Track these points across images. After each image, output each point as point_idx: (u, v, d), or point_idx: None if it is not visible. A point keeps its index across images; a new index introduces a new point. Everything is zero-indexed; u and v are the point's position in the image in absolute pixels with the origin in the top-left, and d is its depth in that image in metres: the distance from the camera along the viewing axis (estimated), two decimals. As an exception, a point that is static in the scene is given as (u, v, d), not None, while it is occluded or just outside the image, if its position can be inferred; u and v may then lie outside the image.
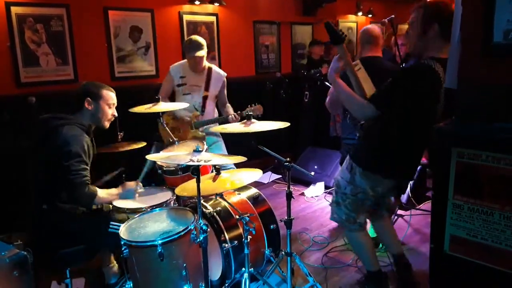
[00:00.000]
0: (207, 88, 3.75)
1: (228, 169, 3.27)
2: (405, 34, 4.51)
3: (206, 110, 3.77)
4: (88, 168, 2.41)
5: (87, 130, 2.52)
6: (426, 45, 2.12)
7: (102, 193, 2.43)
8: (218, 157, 2.15)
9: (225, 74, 3.86)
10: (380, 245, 3.21)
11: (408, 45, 2.61)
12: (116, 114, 2.66)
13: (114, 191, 2.54)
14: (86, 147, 2.41)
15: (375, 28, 3.26)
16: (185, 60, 3.77)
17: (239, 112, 3.68)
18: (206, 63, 3.73)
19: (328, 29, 2.19)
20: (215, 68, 3.83)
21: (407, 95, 2.06)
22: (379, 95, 2.14)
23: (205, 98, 3.75)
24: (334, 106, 3.59)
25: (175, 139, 3.26)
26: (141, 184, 2.70)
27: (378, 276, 2.62)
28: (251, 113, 2.44)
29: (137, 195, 2.64)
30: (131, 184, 2.64)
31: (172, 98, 3.82)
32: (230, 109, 3.84)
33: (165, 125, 3.30)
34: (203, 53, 3.58)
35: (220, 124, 3.69)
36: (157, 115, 3.22)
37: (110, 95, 2.60)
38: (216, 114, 3.92)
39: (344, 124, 3.60)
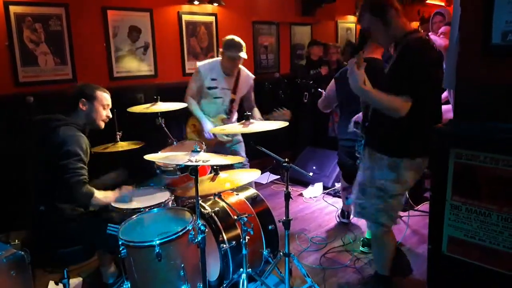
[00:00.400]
0: (234, 91, 3.60)
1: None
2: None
3: (232, 113, 3.67)
4: (86, 167, 2.40)
5: (83, 131, 2.52)
6: (395, 31, 2.19)
7: (99, 194, 2.42)
8: (216, 157, 2.15)
9: (253, 77, 3.74)
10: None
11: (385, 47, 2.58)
12: (110, 115, 2.66)
13: (110, 193, 2.53)
14: (84, 146, 2.41)
15: None
16: (216, 60, 3.60)
17: (265, 115, 3.44)
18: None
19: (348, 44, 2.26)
20: (243, 69, 3.68)
21: (425, 69, 2.05)
22: (407, 84, 2.07)
23: (232, 101, 3.61)
24: (327, 104, 3.61)
25: (173, 139, 3.26)
26: (135, 189, 2.67)
27: (387, 281, 2.58)
28: (249, 113, 2.44)
29: (133, 201, 2.60)
30: (127, 188, 2.63)
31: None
32: (257, 113, 3.64)
33: (164, 125, 3.28)
34: (245, 55, 3.44)
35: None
36: (155, 115, 3.21)
37: (105, 96, 2.61)
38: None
39: (341, 125, 3.59)
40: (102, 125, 2.64)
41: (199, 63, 3.61)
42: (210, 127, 3.44)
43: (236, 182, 2.42)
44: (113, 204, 2.62)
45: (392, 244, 2.50)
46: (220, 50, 3.49)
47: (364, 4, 2.25)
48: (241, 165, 3.48)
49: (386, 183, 2.27)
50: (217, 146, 3.56)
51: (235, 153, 3.68)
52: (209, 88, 3.53)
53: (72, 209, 2.41)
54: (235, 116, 3.75)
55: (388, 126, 2.24)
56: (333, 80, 3.45)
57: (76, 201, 2.40)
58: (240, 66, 3.60)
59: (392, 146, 2.26)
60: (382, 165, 2.28)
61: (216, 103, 3.57)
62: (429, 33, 3.77)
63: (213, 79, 3.51)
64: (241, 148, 3.76)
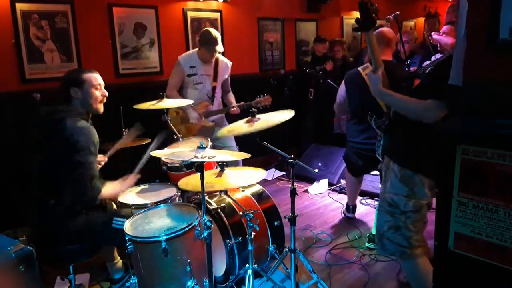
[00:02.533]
0: (215, 78, 3.85)
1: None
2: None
3: (215, 99, 3.88)
4: (97, 160, 2.38)
5: (87, 119, 2.47)
6: None
7: (106, 192, 2.41)
8: (222, 153, 2.15)
9: (231, 63, 3.99)
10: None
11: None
12: (106, 93, 2.53)
13: (116, 184, 2.51)
14: (93, 138, 2.35)
15: (390, 31, 3.27)
16: (194, 51, 3.86)
17: (242, 103, 3.78)
18: None
19: (361, 10, 1.99)
20: (221, 57, 3.92)
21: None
22: (447, 92, 1.85)
23: (214, 88, 3.85)
24: (342, 109, 3.60)
25: (179, 135, 3.27)
26: (138, 176, 2.63)
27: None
28: (255, 109, 2.44)
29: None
30: (130, 178, 2.58)
31: (179, 90, 3.86)
32: (232, 98, 4.00)
33: (169, 121, 3.30)
34: (221, 47, 3.70)
35: (225, 113, 3.87)
36: (161, 111, 3.22)
37: (94, 76, 2.48)
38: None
39: (350, 126, 3.59)
40: (101, 108, 2.52)
41: (179, 56, 3.85)
42: (194, 115, 3.71)
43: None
44: (120, 200, 2.64)
45: (430, 264, 2.14)
46: (198, 42, 3.77)
47: None
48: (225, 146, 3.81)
49: (397, 197, 2.08)
50: (201, 130, 3.78)
51: (224, 144, 3.89)
52: (189, 75, 3.80)
53: (81, 202, 2.40)
54: (219, 102, 3.98)
55: (404, 129, 2.06)
56: (343, 83, 3.45)
57: (84, 196, 2.37)
58: (218, 55, 3.85)
59: (403, 153, 2.07)
60: (392, 176, 2.09)
61: (197, 89, 3.79)
62: (432, 33, 3.75)
63: (191, 67, 3.78)
64: (230, 138, 3.97)
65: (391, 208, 2.12)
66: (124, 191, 2.65)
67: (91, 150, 2.32)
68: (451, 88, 1.85)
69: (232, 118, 3.30)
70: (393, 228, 2.13)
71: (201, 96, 3.81)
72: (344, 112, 3.70)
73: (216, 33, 3.67)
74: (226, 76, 3.97)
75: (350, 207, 3.92)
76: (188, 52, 3.90)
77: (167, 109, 3.25)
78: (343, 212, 4.00)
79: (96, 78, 2.49)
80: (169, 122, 3.28)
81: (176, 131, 3.29)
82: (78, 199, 2.35)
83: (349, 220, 3.88)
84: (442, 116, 1.86)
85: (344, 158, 3.84)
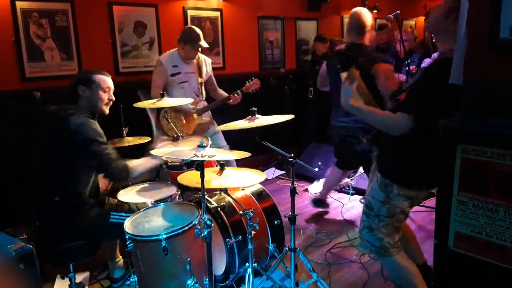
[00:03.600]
0: (200, 75, 3.88)
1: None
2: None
3: (204, 95, 3.92)
4: (108, 145, 2.37)
5: (92, 116, 2.48)
6: (447, 38, 1.95)
7: (135, 166, 2.40)
8: (222, 152, 2.15)
9: (211, 60, 4.07)
10: None
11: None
12: (113, 98, 2.56)
13: (143, 160, 2.48)
14: (98, 129, 2.37)
15: (367, 13, 3.27)
16: (173, 50, 3.85)
17: (238, 91, 3.80)
18: None
19: (339, 55, 2.24)
20: (201, 55, 3.96)
21: (441, 94, 1.86)
22: (415, 105, 1.93)
23: (201, 84, 3.88)
24: (323, 82, 3.66)
25: (179, 134, 3.27)
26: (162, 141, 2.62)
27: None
28: (255, 109, 2.44)
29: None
30: (155, 147, 2.54)
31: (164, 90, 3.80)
32: (223, 92, 4.04)
33: (169, 120, 3.30)
34: (205, 43, 3.72)
35: (221, 105, 3.88)
36: (161, 110, 3.22)
37: (103, 79, 2.50)
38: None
39: (336, 102, 3.32)
40: (106, 110, 2.55)
41: (160, 56, 3.87)
42: (190, 106, 3.71)
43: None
44: (119, 198, 2.64)
45: (410, 261, 2.24)
46: (179, 41, 3.75)
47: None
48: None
49: (374, 200, 2.17)
50: (198, 130, 3.79)
51: (215, 143, 3.86)
52: (172, 75, 3.76)
53: (79, 200, 2.40)
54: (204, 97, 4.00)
55: (391, 143, 2.12)
56: (325, 61, 3.56)
57: (116, 179, 2.42)
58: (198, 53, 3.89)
59: (387, 164, 2.15)
60: (375, 180, 2.17)
61: (183, 88, 3.77)
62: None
63: (174, 66, 3.76)
64: (220, 138, 4.00)
65: (367, 209, 2.21)
66: (156, 163, 2.56)
67: (100, 139, 2.34)
68: (421, 101, 1.92)
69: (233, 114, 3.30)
70: (367, 228, 2.22)
71: (188, 95, 3.78)
72: (324, 85, 3.68)
73: (198, 30, 3.70)
74: (210, 72, 4.00)
75: (319, 201, 4.00)
76: (168, 52, 3.88)
77: (165, 110, 3.27)
78: (313, 201, 4.10)
79: (106, 81, 2.52)
80: (169, 121, 3.29)
81: (176, 130, 3.29)
82: (84, 190, 2.39)
83: (349, 219, 3.89)
84: (409, 128, 1.92)
85: (336, 156, 3.83)
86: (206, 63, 3.99)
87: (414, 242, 2.60)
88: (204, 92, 3.95)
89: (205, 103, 3.96)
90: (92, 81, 2.46)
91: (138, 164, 2.43)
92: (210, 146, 3.66)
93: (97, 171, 2.45)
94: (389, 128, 2.02)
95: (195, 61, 3.87)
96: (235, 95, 3.81)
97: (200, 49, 3.76)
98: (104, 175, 2.48)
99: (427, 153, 2.00)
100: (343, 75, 2.03)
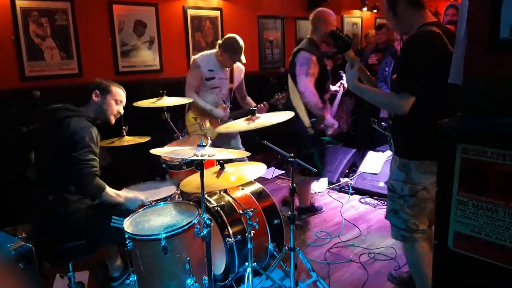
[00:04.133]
0: (231, 81, 3.77)
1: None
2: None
3: (229, 102, 3.83)
4: (97, 159, 2.39)
5: (94, 123, 2.51)
6: (404, 21, 2.17)
7: (110, 191, 2.41)
8: (221, 151, 2.15)
9: (244, 67, 3.88)
10: None
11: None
12: (122, 111, 2.67)
13: (122, 194, 2.51)
14: (95, 138, 2.40)
15: (326, 12, 3.55)
16: (211, 52, 3.66)
17: (264, 102, 3.65)
18: None
19: (334, 37, 2.29)
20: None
21: (424, 64, 2.01)
22: (406, 80, 2.07)
23: (230, 90, 3.79)
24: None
25: (179, 133, 3.27)
26: (149, 200, 2.62)
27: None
28: (255, 108, 2.44)
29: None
30: (141, 197, 2.56)
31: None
32: (251, 100, 3.91)
33: (169, 120, 3.29)
34: (244, 58, 3.58)
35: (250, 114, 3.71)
36: (161, 109, 3.21)
37: (119, 92, 2.64)
38: None
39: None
40: (113, 120, 2.66)
41: (195, 56, 3.70)
42: (221, 112, 3.61)
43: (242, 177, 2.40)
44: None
45: (429, 251, 2.24)
46: (220, 45, 3.57)
47: None
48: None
49: (396, 182, 2.24)
50: (220, 137, 3.61)
51: (233, 146, 3.82)
52: (207, 79, 3.61)
53: (79, 200, 2.42)
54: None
55: (399, 125, 2.22)
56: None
57: (86, 193, 2.40)
58: None
59: (401, 146, 2.24)
60: (395, 166, 2.27)
61: (213, 93, 3.66)
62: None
63: (210, 70, 3.60)
64: (239, 140, 3.91)
65: (391, 193, 2.28)
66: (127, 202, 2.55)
67: (92, 148, 2.35)
68: (409, 79, 2.06)
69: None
70: (393, 211, 2.28)
71: (216, 100, 3.68)
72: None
73: (242, 43, 3.54)
74: (241, 80, 3.89)
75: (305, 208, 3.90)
76: (205, 54, 3.68)
77: (167, 107, 3.25)
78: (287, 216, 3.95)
79: (121, 94, 2.65)
80: (169, 120, 3.28)
81: (176, 129, 3.29)
82: (78, 196, 2.37)
83: (348, 219, 3.89)
84: (411, 104, 2.03)
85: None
86: (239, 70, 3.84)
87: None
88: (233, 98, 3.84)
89: (228, 111, 3.77)
90: (109, 90, 2.59)
91: (114, 194, 2.43)
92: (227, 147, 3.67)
93: (74, 179, 2.36)
94: (391, 106, 2.16)
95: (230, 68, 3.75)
96: (262, 105, 3.62)
97: (238, 62, 3.62)
98: (77, 185, 2.38)
99: (433, 124, 1.94)
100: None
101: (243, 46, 3.53)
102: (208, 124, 3.69)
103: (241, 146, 3.95)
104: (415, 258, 2.28)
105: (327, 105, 3.56)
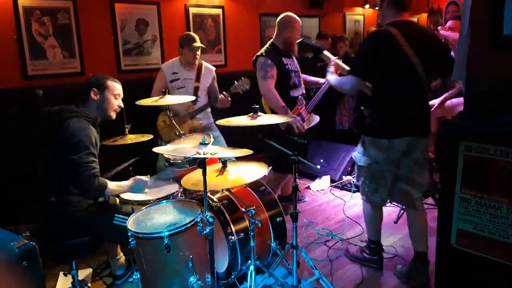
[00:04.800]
0: (198, 80, 3.87)
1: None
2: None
3: (199, 100, 3.86)
4: (97, 160, 2.41)
5: (94, 123, 2.53)
6: (384, 15, 2.61)
7: (112, 185, 2.44)
8: (224, 150, 2.15)
9: (214, 68, 4.01)
10: None
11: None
12: (122, 105, 2.67)
13: (124, 183, 2.54)
14: (93, 139, 2.41)
15: (288, 15, 3.69)
16: (176, 58, 3.90)
17: (224, 93, 3.80)
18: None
19: (307, 46, 3.01)
20: (204, 63, 3.96)
21: (371, 58, 2.50)
22: (352, 65, 2.65)
23: (196, 88, 3.86)
24: None
25: (181, 132, 3.27)
26: (152, 179, 2.66)
27: (375, 246, 2.95)
28: (257, 106, 2.44)
29: (146, 190, 2.63)
30: (142, 178, 2.62)
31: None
32: (220, 97, 3.97)
33: (171, 118, 3.29)
34: (200, 44, 3.75)
35: (211, 107, 3.92)
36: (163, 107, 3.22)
37: (116, 86, 2.62)
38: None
39: None
40: (114, 115, 2.65)
41: (162, 64, 4.01)
42: (182, 107, 3.76)
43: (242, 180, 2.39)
44: (122, 196, 2.65)
45: (379, 215, 2.89)
46: (178, 47, 3.81)
47: None
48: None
49: (357, 154, 2.77)
50: (192, 131, 3.76)
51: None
52: (171, 81, 3.83)
53: (80, 200, 2.43)
54: (203, 102, 3.93)
55: (367, 104, 2.78)
56: None
57: (89, 193, 2.42)
58: (201, 60, 3.93)
59: (365, 125, 2.72)
60: (360, 140, 2.78)
61: (180, 93, 3.78)
62: (439, 28, 3.70)
63: (174, 73, 3.85)
64: (222, 143, 3.98)
65: (356, 162, 2.82)
66: (132, 189, 2.61)
67: (91, 150, 2.36)
68: (356, 60, 2.76)
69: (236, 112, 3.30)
70: (357, 176, 2.88)
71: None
72: None
73: (193, 34, 3.81)
74: (211, 80, 3.95)
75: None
76: (170, 60, 3.95)
77: (169, 106, 3.25)
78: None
79: (118, 88, 2.63)
80: (171, 119, 3.28)
81: (178, 128, 3.29)
82: (79, 196, 2.38)
83: (351, 216, 3.88)
84: (357, 84, 2.61)
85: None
86: (208, 70, 3.94)
87: (419, 228, 2.80)
88: (201, 98, 3.89)
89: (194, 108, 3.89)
90: (106, 86, 2.56)
91: (115, 188, 2.46)
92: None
93: (75, 181, 2.38)
94: (347, 88, 2.73)
95: (196, 67, 3.87)
96: (222, 96, 3.78)
97: (198, 51, 3.76)
98: (78, 187, 2.41)
99: (387, 108, 2.57)
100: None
101: (196, 36, 3.77)
102: (174, 121, 3.74)
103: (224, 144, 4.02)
104: (369, 217, 2.91)
105: (301, 100, 3.55)
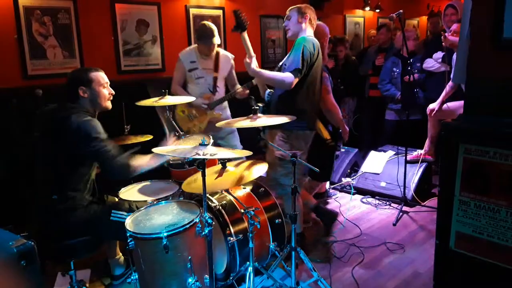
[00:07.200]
0: (216, 69, 3.83)
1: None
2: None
3: (218, 90, 3.85)
4: (109, 142, 2.36)
5: (93, 115, 2.48)
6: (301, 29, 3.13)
7: (136, 162, 2.39)
8: (223, 150, 2.15)
9: (233, 56, 3.96)
10: None
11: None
12: (113, 91, 2.56)
13: (147, 157, 2.45)
14: (99, 127, 2.37)
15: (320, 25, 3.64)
16: (194, 46, 3.85)
17: (244, 85, 3.75)
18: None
19: (236, 16, 2.84)
20: (222, 51, 3.92)
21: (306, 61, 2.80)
22: (291, 65, 2.81)
23: (215, 78, 3.83)
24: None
25: (181, 132, 3.27)
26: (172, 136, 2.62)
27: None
28: (258, 106, 2.44)
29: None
30: (163, 143, 2.56)
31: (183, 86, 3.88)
32: (238, 87, 3.96)
33: (171, 119, 3.29)
34: (219, 40, 3.70)
35: (230, 99, 3.88)
36: (164, 108, 3.22)
37: (100, 75, 2.50)
38: None
39: None
40: (109, 105, 2.56)
41: (180, 53, 3.86)
42: (201, 101, 3.75)
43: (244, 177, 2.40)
44: (121, 196, 2.64)
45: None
46: (195, 38, 3.84)
47: None
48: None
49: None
50: (210, 126, 3.75)
51: (229, 143, 3.92)
52: (190, 70, 3.77)
53: (80, 197, 2.41)
54: (222, 92, 3.92)
55: None
56: None
57: (116, 176, 2.38)
58: (219, 48, 3.87)
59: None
60: None
61: (199, 84, 3.79)
62: (447, 35, 3.70)
63: (192, 62, 3.78)
64: (235, 138, 3.99)
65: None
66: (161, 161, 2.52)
67: (102, 137, 2.33)
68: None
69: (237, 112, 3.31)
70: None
71: (203, 90, 3.80)
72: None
73: (211, 26, 3.67)
74: (229, 69, 3.93)
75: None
76: (187, 48, 3.89)
77: (172, 107, 3.26)
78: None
79: (103, 77, 2.52)
80: (171, 119, 3.28)
81: (178, 128, 3.29)
82: (80, 193, 2.38)
83: (350, 218, 3.88)
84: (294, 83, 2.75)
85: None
86: (226, 58, 3.91)
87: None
88: (219, 88, 3.87)
89: (213, 98, 3.86)
90: (91, 79, 2.45)
91: (141, 164, 2.41)
92: (222, 144, 3.70)
93: (101, 169, 2.44)
94: (280, 84, 2.82)
95: (213, 57, 3.82)
96: (243, 88, 3.76)
97: (213, 46, 3.70)
98: (105, 172, 2.42)
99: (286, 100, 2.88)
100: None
101: (214, 28, 3.66)
102: (194, 112, 3.75)
103: (239, 144, 4.02)
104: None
105: None
